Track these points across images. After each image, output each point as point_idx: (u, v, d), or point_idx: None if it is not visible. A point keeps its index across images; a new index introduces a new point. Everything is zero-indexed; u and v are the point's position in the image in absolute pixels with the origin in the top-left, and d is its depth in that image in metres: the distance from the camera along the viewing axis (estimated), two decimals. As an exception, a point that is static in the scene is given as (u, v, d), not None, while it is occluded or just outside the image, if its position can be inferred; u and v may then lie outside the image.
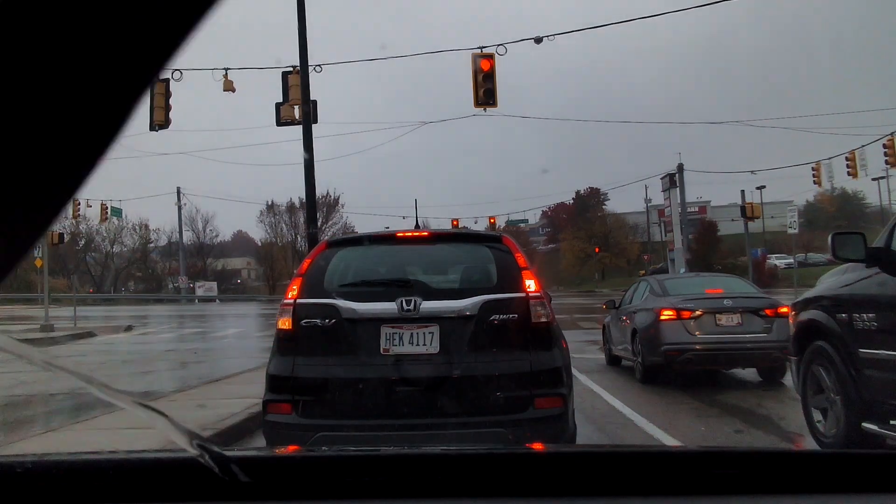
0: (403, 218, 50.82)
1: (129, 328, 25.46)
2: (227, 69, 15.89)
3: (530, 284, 4.34)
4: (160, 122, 15.39)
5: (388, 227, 33.65)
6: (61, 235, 33.38)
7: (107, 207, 39.58)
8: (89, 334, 21.71)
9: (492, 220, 48.35)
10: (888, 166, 27.04)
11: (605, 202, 76.42)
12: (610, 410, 7.83)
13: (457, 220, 43.47)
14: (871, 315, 4.73)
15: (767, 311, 9.35)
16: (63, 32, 0.40)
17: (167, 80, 15.36)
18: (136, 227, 65.38)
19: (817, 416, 5.55)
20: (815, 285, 6.21)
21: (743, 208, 31.64)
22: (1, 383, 10.52)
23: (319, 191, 26.81)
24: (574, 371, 5.41)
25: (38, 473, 1.27)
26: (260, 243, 71.22)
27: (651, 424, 6.86)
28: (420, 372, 4.13)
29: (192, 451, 1.21)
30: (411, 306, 4.19)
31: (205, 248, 68.87)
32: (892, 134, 24.94)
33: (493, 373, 4.14)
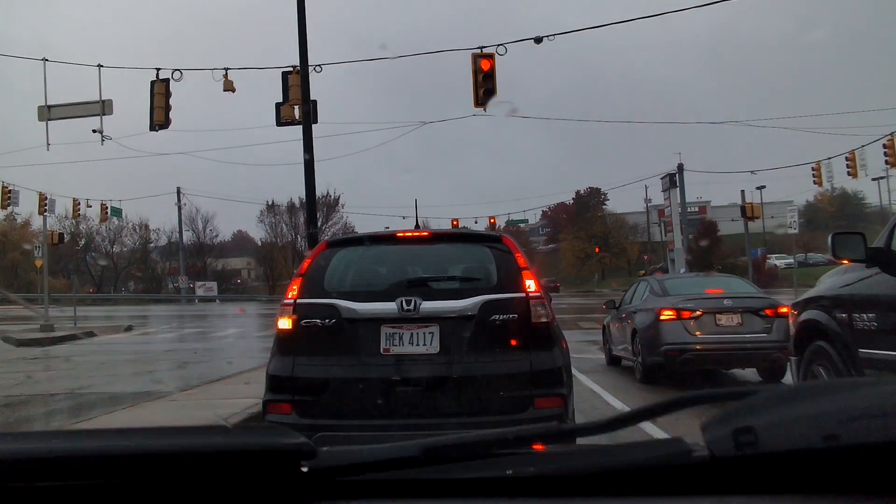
0: (403, 218, 50.89)
1: (129, 328, 25.44)
2: (227, 69, 15.91)
3: (530, 284, 4.34)
4: (160, 122, 15.40)
5: (388, 227, 33.64)
6: (61, 235, 33.36)
7: (107, 207, 39.52)
8: (89, 334, 21.69)
9: (492, 221, 48.31)
10: (888, 166, 27.01)
11: (605, 202, 76.45)
12: (610, 410, 7.83)
13: (457, 220, 43.49)
14: (871, 315, 4.73)
15: (767, 311, 9.34)
16: None
17: (167, 81, 15.39)
18: (136, 227, 65.51)
19: (817, 416, 5.54)
20: (815, 285, 6.21)
21: (743, 208, 31.64)
22: (1, 383, 10.52)
23: (319, 191, 26.81)
24: (574, 371, 5.40)
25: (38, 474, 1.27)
26: (260, 243, 71.22)
27: (651, 424, 6.85)
28: (420, 372, 4.13)
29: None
30: (411, 306, 4.19)
31: (205, 248, 68.84)
32: (892, 134, 24.92)
33: (493, 373, 4.14)
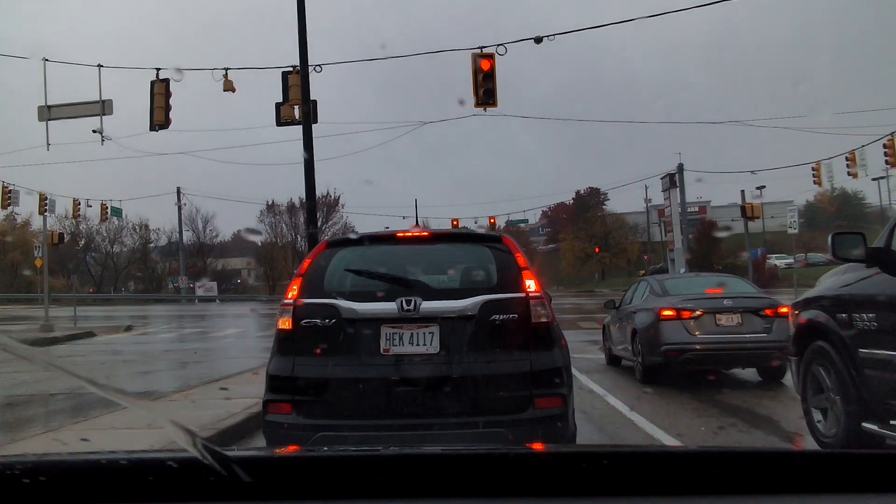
0: (403, 218, 50.87)
1: (129, 328, 25.46)
2: (227, 69, 15.91)
3: (530, 284, 4.34)
4: (160, 122, 15.40)
5: (388, 227, 33.60)
6: (61, 235, 33.30)
7: (107, 207, 39.52)
8: (89, 334, 21.70)
9: (492, 221, 48.27)
10: (888, 166, 26.99)
11: (605, 202, 76.43)
12: (610, 410, 7.83)
13: (457, 220, 43.43)
14: (871, 315, 4.73)
15: (767, 311, 9.34)
16: None
17: (167, 81, 15.39)
18: (136, 227, 65.45)
19: (817, 416, 5.54)
20: (814, 285, 6.21)
21: (743, 208, 31.61)
22: (1, 383, 10.53)
23: (319, 191, 26.79)
24: (574, 371, 5.40)
25: (38, 473, 1.27)
26: (260, 243, 71.17)
27: (651, 424, 6.86)
28: (420, 372, 4.13)
29: (193, 452, 1.21)
30: (411, 306, 4.19)
31: (205, 248, 68.81)
32: (892, 134, 24.92)
33: (493, 373, 4.14)
